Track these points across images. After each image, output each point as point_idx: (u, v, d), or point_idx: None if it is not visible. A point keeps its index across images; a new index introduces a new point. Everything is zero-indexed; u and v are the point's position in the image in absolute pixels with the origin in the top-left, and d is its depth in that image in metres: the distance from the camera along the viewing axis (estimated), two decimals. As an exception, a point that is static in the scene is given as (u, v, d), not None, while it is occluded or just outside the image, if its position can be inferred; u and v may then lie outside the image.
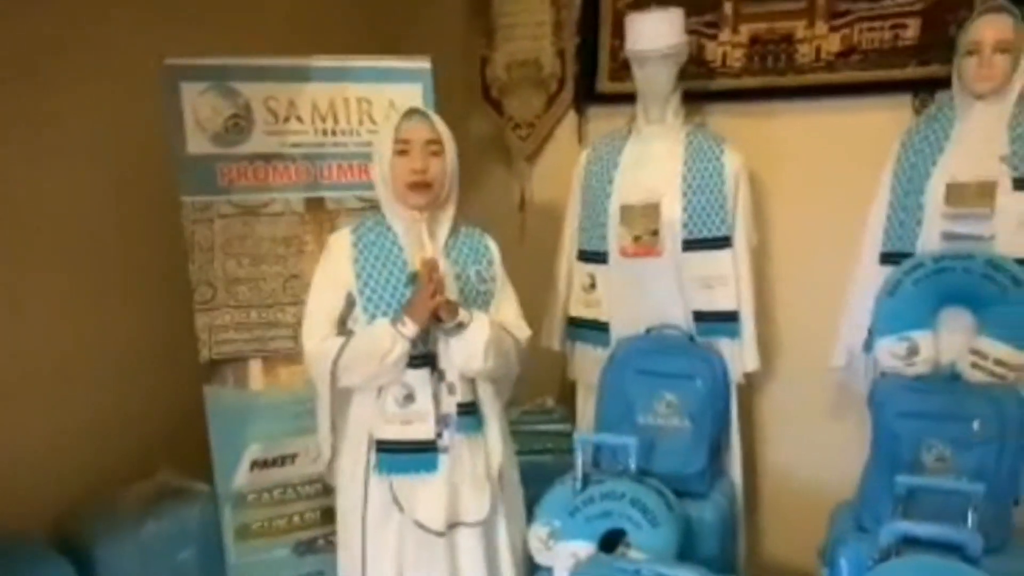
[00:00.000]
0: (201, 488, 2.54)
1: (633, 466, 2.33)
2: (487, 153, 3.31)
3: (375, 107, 2.57)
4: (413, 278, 1.99)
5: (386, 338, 1.94)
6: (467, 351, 2.00)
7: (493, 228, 3.16)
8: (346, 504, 2.09)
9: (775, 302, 2.83)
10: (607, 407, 2.56)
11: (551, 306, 2.80)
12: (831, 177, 2.71)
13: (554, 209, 2.92)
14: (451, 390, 2.03)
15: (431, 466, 2.00)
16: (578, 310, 2.73)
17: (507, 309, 2.15)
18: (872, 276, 2.37)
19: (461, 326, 1.98)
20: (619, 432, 2.44)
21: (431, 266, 1.94)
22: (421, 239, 2.03)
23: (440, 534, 2.00)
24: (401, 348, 1.94)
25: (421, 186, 1.99)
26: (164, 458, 2.58)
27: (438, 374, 2.02)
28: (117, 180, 2.62)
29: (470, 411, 2.04)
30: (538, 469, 2.64)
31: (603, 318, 2.67)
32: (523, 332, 2.17)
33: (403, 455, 1.99)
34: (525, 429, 2.82)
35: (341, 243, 2.07)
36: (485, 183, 3.29)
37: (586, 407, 2.73)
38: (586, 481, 2.30)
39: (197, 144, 2.43)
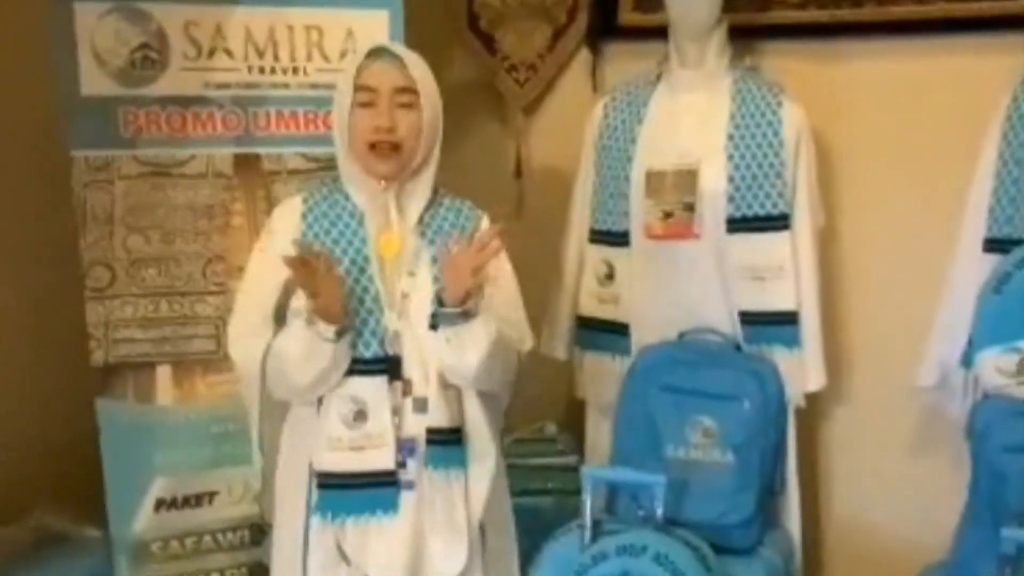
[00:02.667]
0: (90, 534, 2.53)
1: (659, 512, 2.31)
2: (473, 103, 3.30)
3: (327, 39, 2.56)
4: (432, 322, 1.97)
5: (312, 343, 1.91)
6: (467, 344, 1.93)
7: (480, 200, 3.19)
8: (280, 556, 2.09)
9: (846, 301, 2.84)
10: (626, 435, 2.55)
11: (554, 302, 2.81)
12: (920, 139, 2.71)
13: (560, 176, 2.92)
14: (420, 407, 1.99)
15: (388, 505, 1.97)
16: (590, 308, 2.73)
17: (507, 310, 2.10)
18: (973, 269, 2.38)
19: (467, 315, 1.92)
20: (641, 468, 2.43)
21: (446, 258, 1.93)
22: (388, 214, 2.02)
23: None
24: (327, 355, 1.91)
25: (387, 148, 1.98)
26: (42, 494, 2.57)
27: (402, 385, 1.99)
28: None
29: (449, 440, 2.01)
30: (534, 515, 2.64)
31: (622, 319, 2.68)
32: (525, 342, 2.14)
33: (352, 492, 1.97)
34: (519, 463, 2.76)
35: (287, 214, 2.07)
36: (470, 142, 3.25)
37: (598, 435, 2.74)
38: (597, 531, 2.29)
39: (94, 83, 2.41)
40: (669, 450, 2.48)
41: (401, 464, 1.98)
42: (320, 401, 1.99)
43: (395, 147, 1.98)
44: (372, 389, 1.97)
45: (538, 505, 2.70)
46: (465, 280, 1.89)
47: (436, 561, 2.01)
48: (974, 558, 2.15)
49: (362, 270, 2.00)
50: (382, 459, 1.97)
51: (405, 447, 1.98)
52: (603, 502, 2.46)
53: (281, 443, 2.08)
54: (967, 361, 2.35)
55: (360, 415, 1.97)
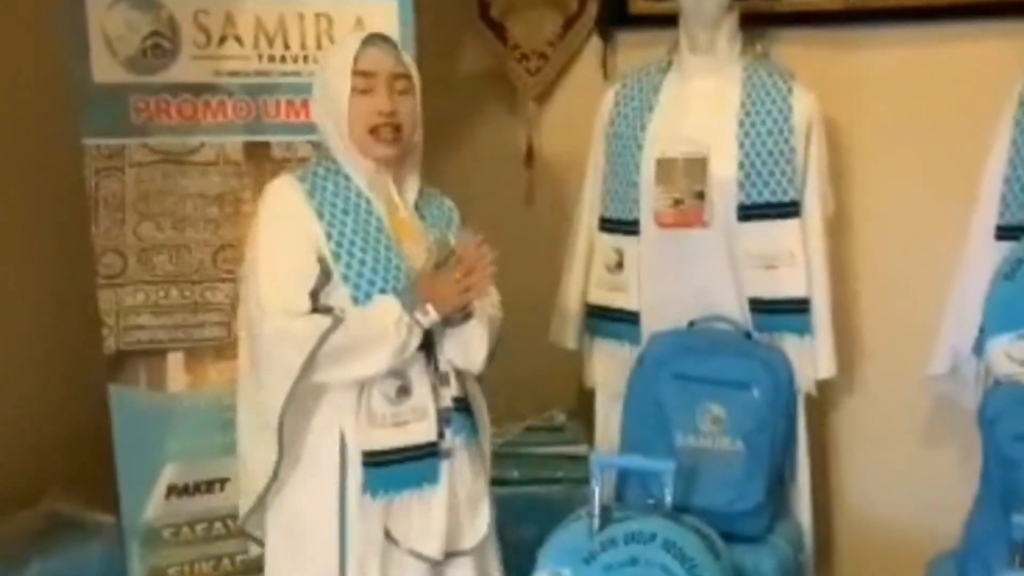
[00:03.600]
0: (102, 520, 2.54)
1: (668, 500, 2.31)
2: (484, 92, 3.31)
3: (336, 27, 2.57)
4: (447, 257, 2.01)
5: (401, 327, 1.95)
6: (468, 345, 2.06)
7: (491, 189, 3.21)
8: (304, 552, 2.05)
9: (857, 289, 2.84)
10: (635, 423, 2.55)
11: (564, 291, 2.81)
12: (931, 127, 2.71)
13: (571, 164, 2.91)
14: (444, 381, 2.07)
15: (433, 476, 2.03)
16: (600, 296, 2.73)
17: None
18: (985, 256, 2.38)
19: (467, 316, 2.03)
20: (650, 455, 2.43)
21: (476, 253, 1.96)
22: (391, 196, 2.06)
23: (438, 563, 2.05)
24: (417, 340, 1.98)
25: (389, 132, 2.01)
26: (55, 480, 2.58)
27: (433, 361, 2.05)
28: (1, 116, 2.61)
29: (466, 407, 2.11)
30: (544, 503, 2.67)
31: (632, 307, 2.67)
32: (499, 314, 2.20)
33: (400, 466, 2.00)
34: (528, 451, 2.83)
35: (292, 192, 2.03)
36: (481, 131, 3.29)
37: (608, 423, 2.73)
38: (606, 518, 2.28)
39: (105, 71, 2.43)
40: (679, 438, 2.48)
41: (440, 435, 2.04)
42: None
43: (397, 130, 2.01)
44: (416, 366, 2.02)
45: (547, 493, 2.71)
46: (459, 297, 1.96)
47: (466, 527, 2.09)
48: (985, 546, 2.15)
49: (388, 248, 2.02)
50: (426, 431, 2.02)
51: (443, 418, 2.05)
52: (612, 490, 2.46)
53: (303, 430, 2.04)
54: (979, 349, 2.34)
55: (403, 391, 2.01)
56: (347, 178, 2.06)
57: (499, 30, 3.27)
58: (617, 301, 2.69)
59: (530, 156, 3.27)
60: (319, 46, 2.55)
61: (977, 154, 2.44)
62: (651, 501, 2.36)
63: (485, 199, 3.19)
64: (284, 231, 2.00)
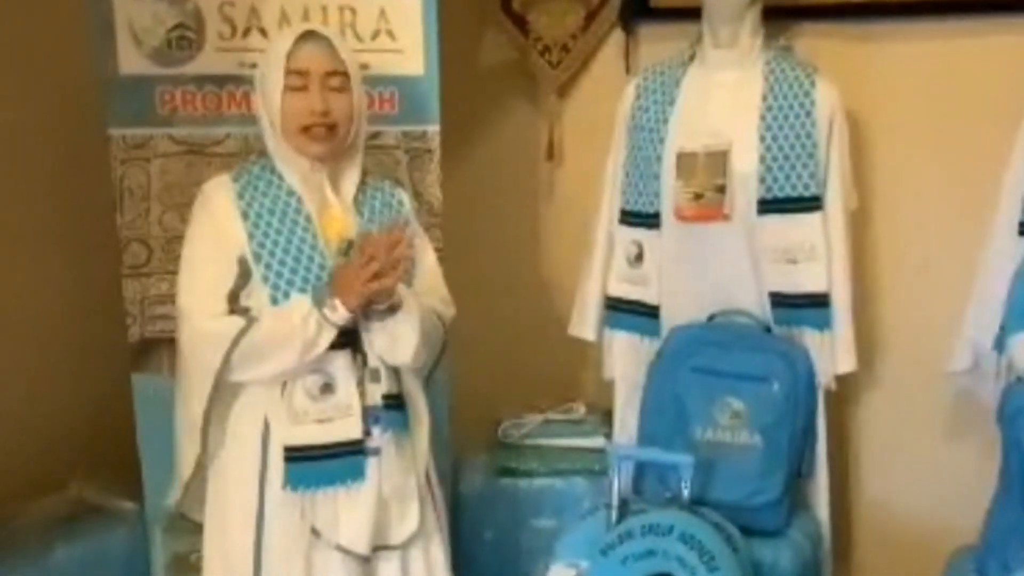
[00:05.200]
0: (126, 506, 2.55)
1: (686, 493, 2.32)
2: (505, 84, 3.30)
3: (360, 19, 2.57)
4: (348, 248, 2.02)
5: (309, 324, 1.95)
6: (395, 339, 2.04)
7: (512, 182, 3.22)
8: (226, 541, 2.07)
9: (878, 284, 2.83)
10: (654, 416, 2.56)
11: (584, 283, 2.81)
12: (954, 121, 2.70)
13: (592, 158, 2.90)
14: (374, 376, 2.05)
15: (357, 473, 2.02)
16: (619, 289, 2.73)
17: (430, 280, 2.19)
18: (1008, 252, 2.37)
19: (393, 309, 2.01)
20: (669, 448, 2.44)
21: (378, 240, 1.95)
22: (324, 194, 2.06)
23: (366, 559, 2.04)
24: (327, 338, 1.97)
25: (322, 131, 2.01)
26: (79, 467, 2.59)
27: (360, 357, 2.04)
28: (26, 107, 2.63)
29: (397, 404, 2.09)
30: (562, 495, 2.68)
31: (651, 300, 2.67)
32: (449, 310, 2.21)
33: (321, 463, 2.00)
34: (547, 443, 2.84)
35: (222, 193, 2.05)
36: (502, 124, 3.29)
37: (627, 416, 2.74)
38: (623, 511, 2.30)
39: (131, 62, 2.44)
40: (697, 431, 2.48)
41: (367, 432, 2.03)
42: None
43: (331, 128, 2.02)
44: (340, 362, 2.02)
45: (566, 485, 2.72)
46: (365, 287, 1.93)
47: (395, 523, 2.09)
48: (1004, 541, 2.14)
49: (313, 247, 2.02)
50: (350, 429, 2.01)
51: (371, 415, 2.04)
52: (630, 483, 2.45)
53: (229, 423, 2.07)
54: (1000, 345, 2.33)
55: (327, 388, 2.01)
56: (280, 176, 2.06)
57: (521, 22, 3.25)
58: (637, 294, 2.70)
59: (551, 149, 3.25)
60: (342, 38, 2.53)
61: (999, 149, 2.43)
62: (669, 494, 2.37)
63: (506, 192, 3.25)
64: (206, 234, 2.03)
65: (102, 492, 2.58)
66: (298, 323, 1.95)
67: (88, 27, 2.40)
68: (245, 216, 2.01)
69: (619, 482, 2.32)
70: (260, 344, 1.96)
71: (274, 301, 1.98)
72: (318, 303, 1.96)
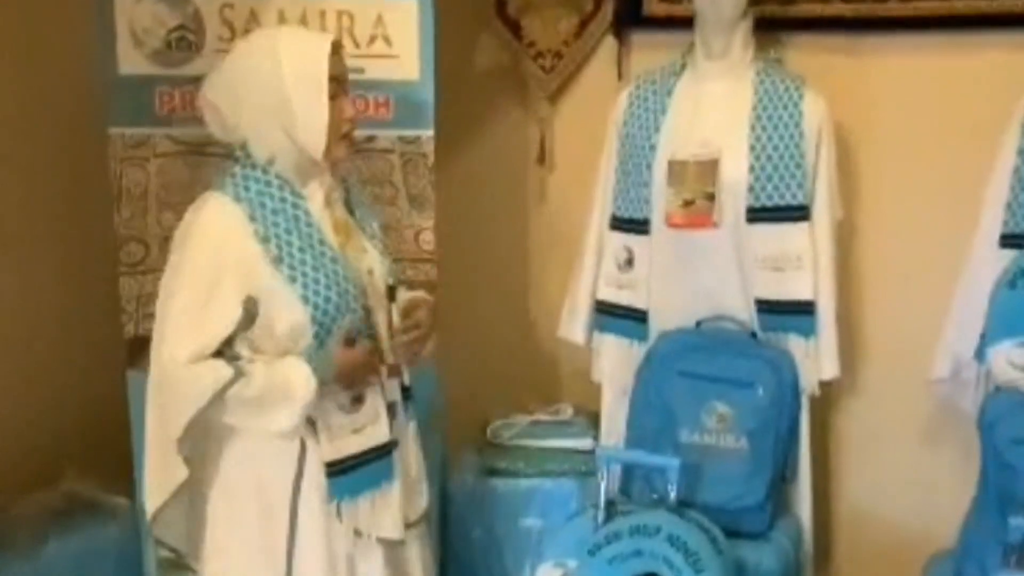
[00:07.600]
0: (118, 502, 2.56)
1: (673, 495, 2.34)
2: (498, 89, 3.30)
3: (358, 24, 2.58)
4: (391, 293, 2.03)
5: (310, 389, 1.89)
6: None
7: (504, 186, 3.23)
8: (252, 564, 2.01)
9: (862, 293, 2.85)
10: (641, 419, 2.57)
11: (574, 287, 2.83)
12: (940, 135, 2.71)
13: (583, 164, 2.92)
14: (395, 372, 2.08)
15: (390, 471, 2.04)
16: (608, 293, 2.75)
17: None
18: (989, 263, 2.39)
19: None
20: (656, 451, 2.45)
21: (422, 304, 2.06)
22: (329, 201, 2.02)
23: (401, 541, 2.07)
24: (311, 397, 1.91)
25: (353, 136, 2.03)
26: (73, 462, 2.59)
27: (379, 355, 2.04)
28: (26, 106, 2.64)
29: (410, 393, 2.13)
30: (552, 496, 2.69)
31: (640, 304, 2.69)
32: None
33: (359, 471, 2.00)
34: (535, 444, 2.85)
35: (231, 220, 1.90)
36: (494, 128, 3.29)
37: (614, 418, 2.75)
38: (611, 512, 2.32)
39: (132, 62, 2.46)
40: (684, 434, 2.50)
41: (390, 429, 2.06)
42: None
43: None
44: None
45: (554, 486, 2.72)
46: (372, 373, 1.99)
47: (415, 500, 2.13)
48: (981, 547, 2.16)
49: (334, 260, 1.95)
50: (380, 432, 2.02)
51: (391, 412, 2.05)
52: (617, 484, 2.47)
53: (237, 457, 1.99)
54: (980, 354, 2.35)
55: (357, 399, 2.00)
56: (281, 190, 1.95)
57: (515, 27, 3.24)
58: (626, 298, 2.71)
59: (543, 154, 3.25)
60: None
61: (983, 162, 2.45)
62: (655, 496, 2.39)
63: (498, 196, 3.25)
64: (213, 267, 1.87)
65: (95, 487, 2.58)
66: (299, 387, 1.88)
67: (89, 27, 2.41)
68: (265, 240, 1.88)
69: (606, 483, 2.33)
70: (252, 399, 1.87)
71: (315, 321, 1.89)
72: (319, 373, 1.89)
